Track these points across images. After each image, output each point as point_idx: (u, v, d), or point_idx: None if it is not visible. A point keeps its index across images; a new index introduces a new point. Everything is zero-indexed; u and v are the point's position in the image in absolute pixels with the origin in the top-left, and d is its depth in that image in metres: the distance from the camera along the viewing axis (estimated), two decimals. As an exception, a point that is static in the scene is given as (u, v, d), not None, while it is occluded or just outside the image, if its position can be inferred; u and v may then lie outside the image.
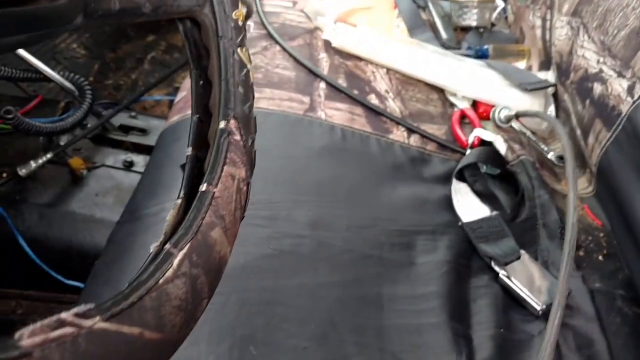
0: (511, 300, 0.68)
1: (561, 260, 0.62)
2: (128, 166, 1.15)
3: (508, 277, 0.68)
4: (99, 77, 1.61)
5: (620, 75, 0.76)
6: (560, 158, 0.90)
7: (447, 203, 0.77)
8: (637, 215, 0.70)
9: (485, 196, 0.78)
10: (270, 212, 0.68)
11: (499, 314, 0.66)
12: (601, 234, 0.79)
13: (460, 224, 0.74)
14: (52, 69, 1.08)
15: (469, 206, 0.76)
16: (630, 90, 0.73)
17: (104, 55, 1.67)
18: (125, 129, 1.21)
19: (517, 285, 0.68)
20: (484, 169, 0.82)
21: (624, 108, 0.73)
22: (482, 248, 0.71)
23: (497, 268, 0.69)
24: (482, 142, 0.85)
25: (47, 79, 1.05)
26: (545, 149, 0.91)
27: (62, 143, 1.10)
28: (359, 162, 0.79)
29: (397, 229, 0.72)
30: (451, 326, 0.62)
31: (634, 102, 0.71)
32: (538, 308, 0.66)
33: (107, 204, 1.07)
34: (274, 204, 0.69)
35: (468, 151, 0.84)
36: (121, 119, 1.21)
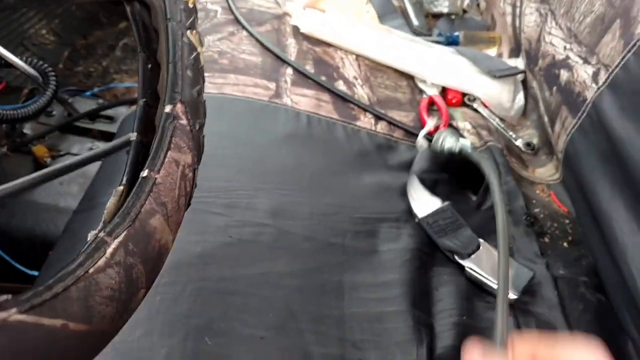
0: (474, 287, 0.68)
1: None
2: (94, 154, 1.13)
3: (473, 270, 0.67)
4: (68, 64, 1.57)
5: (585, 61, 0.75)
6: (528, 145, 0.89)
7: (412, 190, 0.76)
8: (600, 202, 0.69)
9: (431, 184, 0.76)
10: (230, 200, 0.66)
11: (462, 302, 0.65)
12: (566, 221, 0.79)
13: (417, 220, 0.73)
14: (20, 55, 1.05)
15: (420, 199, 0.74)
16: (595, 76, 0.72)
17: (74, 42, 1.63)
18: (92, 117, 1.18)
19: (484, 275, 0.67)
20: (445, 149, 0.79)
21: (589, 94, 0.73)
22: (443, 242, 0.69)
23: (461, 262, 0.68)
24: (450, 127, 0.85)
25: (8, 64, 1.02)
26: (514, 136, 0.91)
27: (25, 130, 1.07)
28: (324, 149, 0.78)
29: (360, 216, 0.71)
30: (413, 314, 0.62)
31: (598, 89, 0.71)
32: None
33: (71, 192, 1.04)
34: (234, 192, 0.68)
35: (420, 141, 0.83)
36: (88, 106, 1.18)
